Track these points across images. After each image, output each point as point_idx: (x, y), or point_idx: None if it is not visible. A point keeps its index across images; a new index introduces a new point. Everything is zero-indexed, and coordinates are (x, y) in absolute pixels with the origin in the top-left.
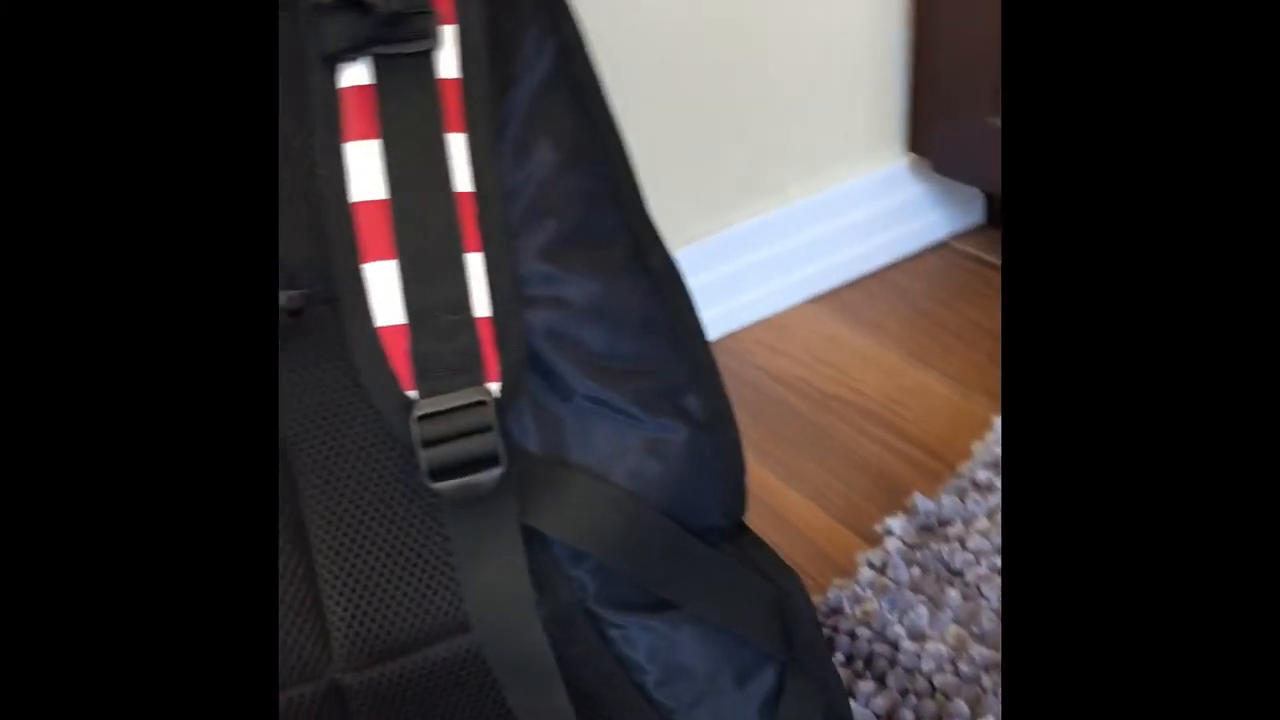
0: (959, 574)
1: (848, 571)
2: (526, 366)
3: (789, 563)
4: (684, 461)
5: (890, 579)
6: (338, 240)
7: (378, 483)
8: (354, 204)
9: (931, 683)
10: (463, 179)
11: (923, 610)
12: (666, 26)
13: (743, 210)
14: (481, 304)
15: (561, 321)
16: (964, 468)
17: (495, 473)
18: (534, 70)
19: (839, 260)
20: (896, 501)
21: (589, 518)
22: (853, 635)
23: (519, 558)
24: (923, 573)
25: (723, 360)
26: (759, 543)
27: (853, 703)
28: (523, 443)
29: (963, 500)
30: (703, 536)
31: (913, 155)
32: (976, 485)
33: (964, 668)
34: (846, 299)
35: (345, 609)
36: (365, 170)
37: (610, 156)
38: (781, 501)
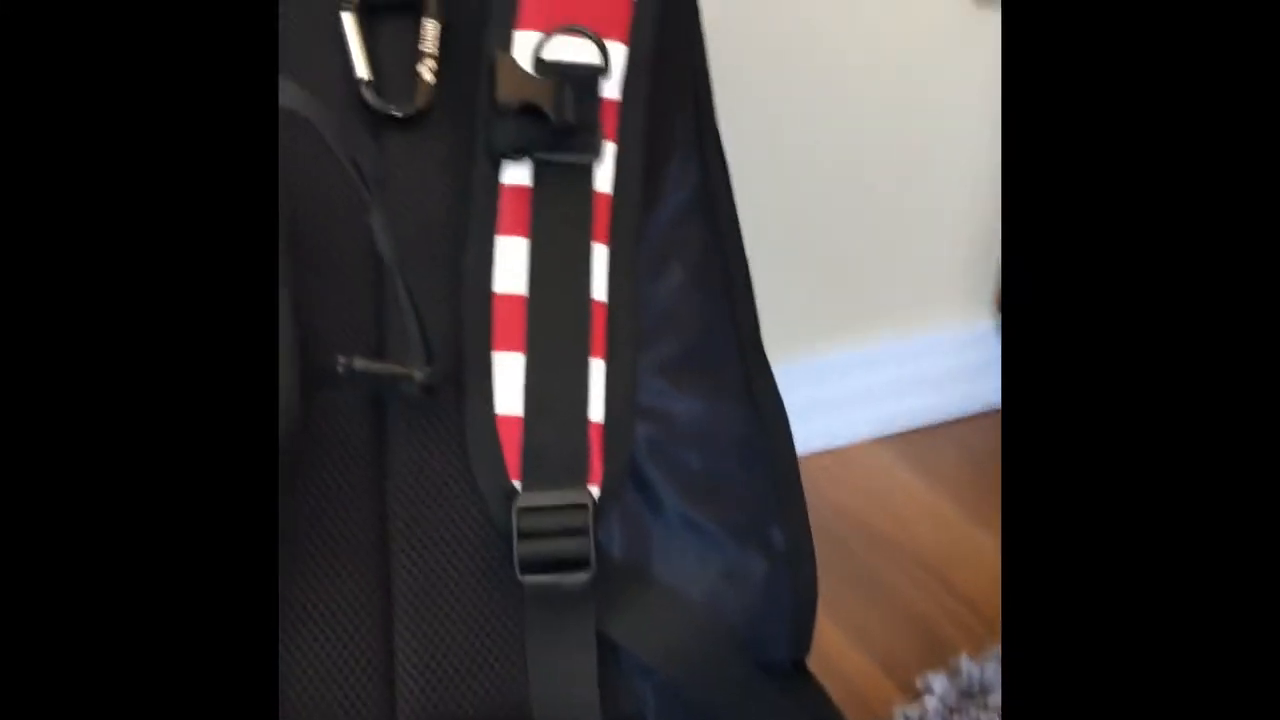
0: None
1: (881, 719)
2: (627, 476)
3: None
4: (760, 594)
5: None
6: (474, 325)
7: (468, 563)
8: (495, 294)
9: None
10: (599, 288)
11: None
12: (784, 157)
13: (825, 340)
14: (597, 409)
15: (665, 437)
16: None
17: (583, 576)
18: (677, 193)
19: (911, 405)
20: (938, 658)
21: (664, 635)
22: None
23: (590, 662)
24: None
25: None
26: (819, 688)
27: None
28: (608, 548)
29: None
30: (766, 670)
31: (1000, 316)
32: None
33: None
34: (914, 444)
35: (417, 680)
36: (511, 264)
37: (734, 286)
38: (824, 637)
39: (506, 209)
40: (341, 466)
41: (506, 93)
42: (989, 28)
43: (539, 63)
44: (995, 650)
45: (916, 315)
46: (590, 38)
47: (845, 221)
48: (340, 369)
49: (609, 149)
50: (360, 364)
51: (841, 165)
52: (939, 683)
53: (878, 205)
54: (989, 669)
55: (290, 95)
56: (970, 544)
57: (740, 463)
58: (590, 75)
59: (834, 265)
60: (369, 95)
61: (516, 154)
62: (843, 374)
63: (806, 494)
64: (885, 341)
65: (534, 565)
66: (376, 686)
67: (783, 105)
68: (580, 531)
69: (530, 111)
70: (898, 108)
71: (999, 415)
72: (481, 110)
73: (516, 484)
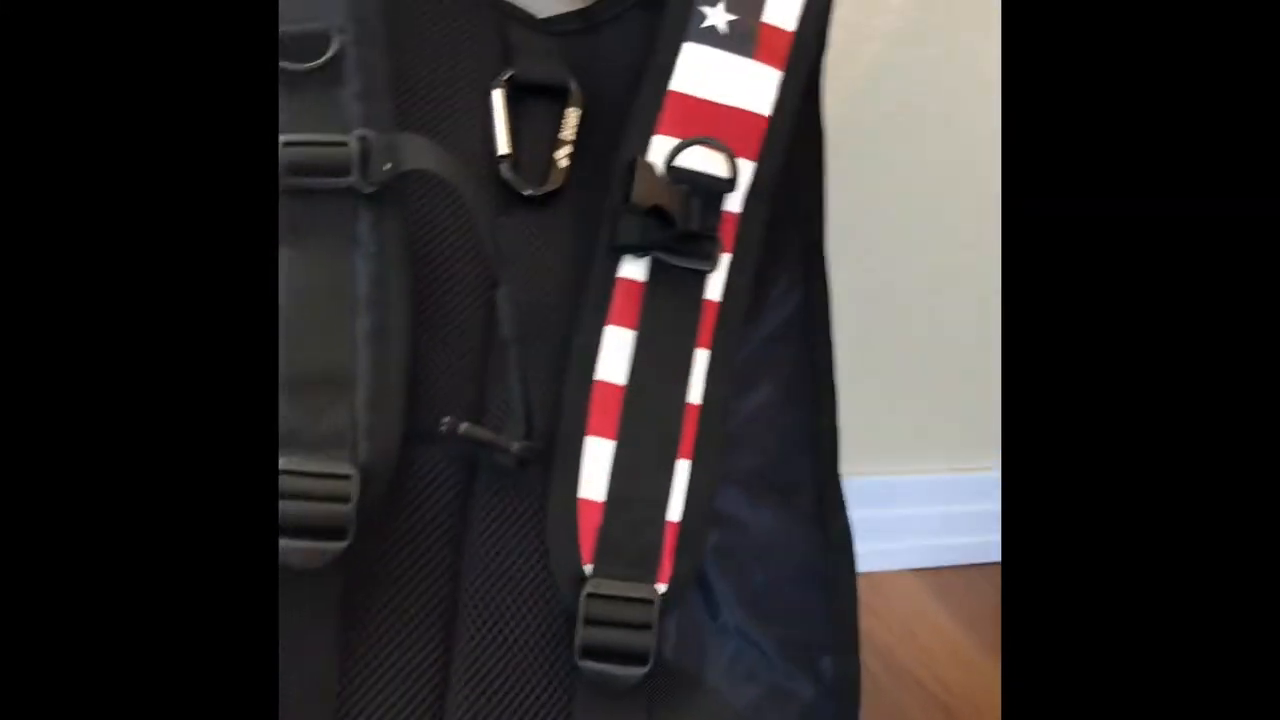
0: None
1: None
2: (694, 578)
3: None
4: (800, 718)
5: None
6: (572, 407)
7: (530, 637)
8: (596, 380)
9: None
10: (695, 392)
11: None
12: (849, 284)
13: (872, 465)
14: (675, 509)
15: (734, 547)
16: None
17: (638, 671)
18: (779, 311)
19: (950, 542)
20: None
21: None
22: None
23: None
24: None
25: None
26: None
27: None
28: (661, 645)
29: None
30: None
31: None
32: None
33: None
34: (948, 581)
35: None
36: (615, 354)
37: (820, 411)
38: None
39: (619, 300)
40: (425, 521)
41: (640, 195)
42: None
43: (671, 168)
44: None
45: (963, 452)
46: (724, 152)
47: (900, 355)
48: (442, 428)
49: (724, 259)
50: (464, 428)
51: (907, 297)
52: None
53: (932, 337)
54: None
55: (439, 161)
56: (991, 691)
57: (802, 585)
58: (718, 188)
59: (883, 393)
60: (506, 170)
61: (638, 251)
62: (889, 499)
63: None
64: (938, 474)
65: (594, 652)
66: None
67: (847, 230)
68: (644, 626)
69: (658, 214)
70: (963, 240)
71: None
72: (611, 204)
73: (588, 569)
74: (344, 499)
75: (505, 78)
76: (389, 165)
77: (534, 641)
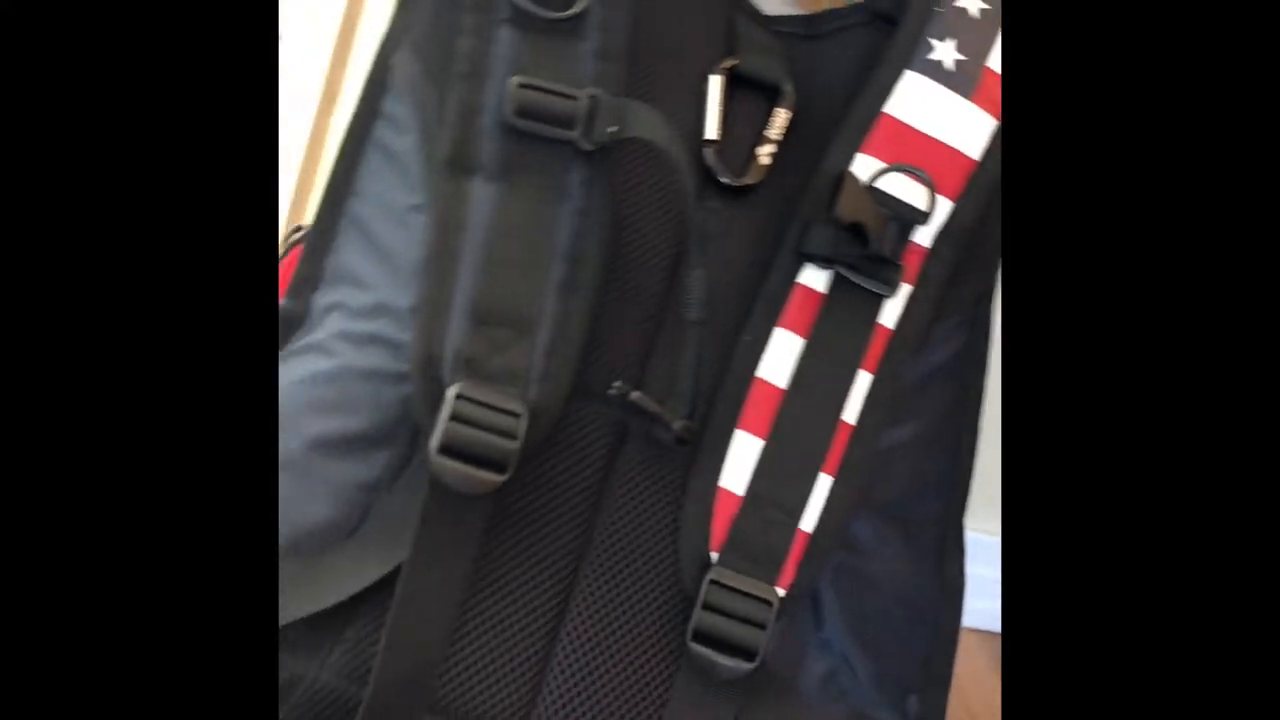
0: None
1: None
2: (811, 591)
3: None
4: None
5: None
6: (728, 398)
7: (645, 608)
8: (756, 377)
9: None
10: (851, 412)
11: None
12: None
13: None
14: (810, 520)
15: (853, 570)
16: None
17: (744, 666)
18: (940, 352)
19: None
20: None
21: None
22: None
23: None
24: None
25: None
26: None
27: None
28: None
29: None
30: None
31: None
32: None
33: None
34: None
35: (559, 697)
36: (780, 356)
37: (958, 461)
38: None
39: (794, 305)
40: (572, 473)
41: (844, 208)
42: None
43: (871, 189)
44: None
45: None
46: (927, 185)
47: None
48: (612, 391)
49: (903, 289)
50: (635, 395)
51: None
52: None
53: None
54: None
55: (663, 135)
56: None
57: (908, 622)
58: (913, 218)
59: (992, 456)
60: (709, 155)
61: (824, 262)
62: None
63: None
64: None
65: (705, 638)
66: (523, 692)
67: None
68: (759, 624)
69: (851, 229)
70: None
71: None
72: (806, 210)
73: (714, 556)
74: (511, 435)
75: (726, 66)
76: (614, 128)
77: (650, 612)
